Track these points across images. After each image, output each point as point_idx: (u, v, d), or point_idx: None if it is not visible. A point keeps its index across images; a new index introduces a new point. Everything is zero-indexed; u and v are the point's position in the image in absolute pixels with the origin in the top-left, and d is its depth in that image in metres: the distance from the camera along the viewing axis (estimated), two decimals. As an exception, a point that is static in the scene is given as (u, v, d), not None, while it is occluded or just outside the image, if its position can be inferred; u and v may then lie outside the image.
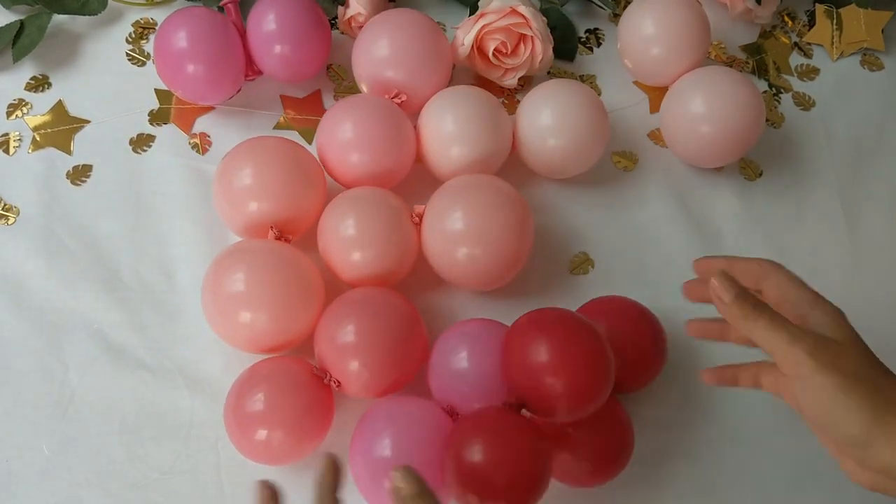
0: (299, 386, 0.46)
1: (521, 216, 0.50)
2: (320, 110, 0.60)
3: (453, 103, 0.54)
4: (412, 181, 0.55)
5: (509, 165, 0.56)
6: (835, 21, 0.66)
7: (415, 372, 0.49)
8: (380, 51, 0.55)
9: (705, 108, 0.54)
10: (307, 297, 0.49)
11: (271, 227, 0.50)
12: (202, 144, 0.58)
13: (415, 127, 0.55)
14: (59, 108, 0.59)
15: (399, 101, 0.55)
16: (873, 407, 0.36)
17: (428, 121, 0.54)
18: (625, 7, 0.61)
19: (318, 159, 0.53)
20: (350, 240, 0.50)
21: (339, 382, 0.47)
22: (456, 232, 0.50)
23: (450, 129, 0.53)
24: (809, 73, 0.64)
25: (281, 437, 0.46)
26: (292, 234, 0.51)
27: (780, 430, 0.51)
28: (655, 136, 0.60)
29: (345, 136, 0.52)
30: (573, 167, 0.56)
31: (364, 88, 0.57)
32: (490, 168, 0.54)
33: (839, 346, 0.39)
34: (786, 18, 0.67)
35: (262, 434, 0.46)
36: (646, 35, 0.57)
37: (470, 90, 0.55)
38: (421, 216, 0.51)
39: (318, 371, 0.48)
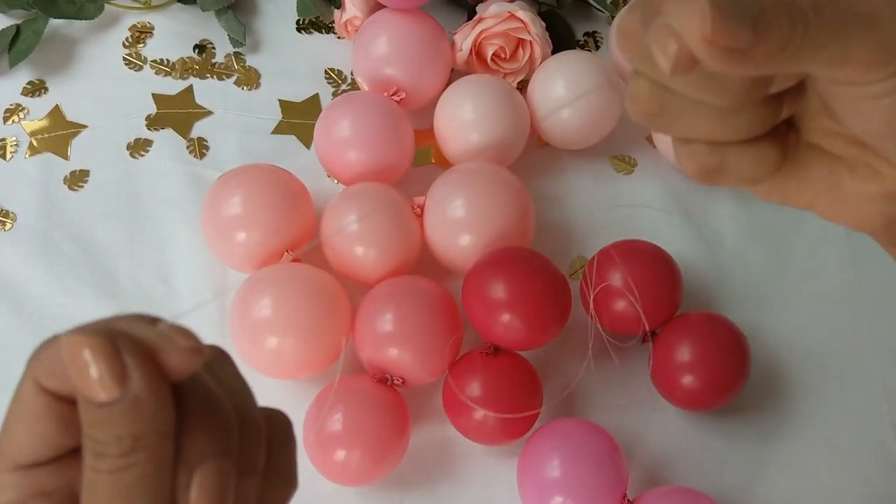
0: (373, 399, 0.47)
1: (521, 199, 0.51)
2: (318, 114, 0.60)
3: (471, 92, 0.54)
4: (412, 179, 0.56)
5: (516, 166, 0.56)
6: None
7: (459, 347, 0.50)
8: (379, 48, 0.55)
9: None
10: (339, 316, 0.49)
11: (287, 250, 0.50)
12: (200, 149, 0.58)
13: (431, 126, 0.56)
14: (56, 113, 0.59)
15: (398, 98, 0.55)
16: None
17: (445, 111, 0.55)
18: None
19: (300, 180, 0.53)
20: (354, 236, 0.50)
21: (402, 380, 0.48)
22: (458, 219, 0.50)
23: (469, 117, 0.54)
24: (807, 75, 0.64)
25: (372, 454, 0.46)
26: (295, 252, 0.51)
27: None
28: (654, 140, 0.60)
29: (342, 133, 0.53)
30: (593, 131, 0.56)
31: (364, 86, 0.57)
32: (510, 154, 0.55)
33: None
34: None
35: (346, 455, 0.46)
36: None
37: (485, 78, 0.55)
38: (422, 207, 0.52)
39: (377, 377, 0.48)
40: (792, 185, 0.27)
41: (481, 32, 0.57)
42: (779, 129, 0.26)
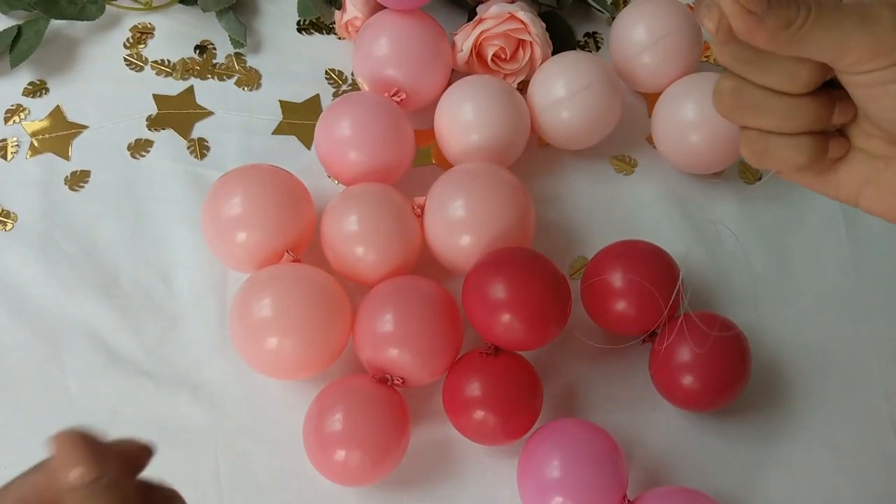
0: (373, 399, 0.47)
1: (521, 199, 0.51)
2: (319, 115, 0.60)
3: (471, 92, 0.54)
4: (412, 179, 0.56)
5: (516, 166, 0.56)
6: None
7: (460, 345, 0.50)
8: (380, 49, 0.56)
9: (695, 114, 0.54)
10: (339, 316, 0.49)
11: (287, 250, 0.50)
12: (200, 149, 0.58)
13: (432, 126, 0.56)
14: (57, 114, 0.59)
15: (398, 98, 0.55)
16: None
17: (445, 111, 0.55)
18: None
19: (301, 181, 0.54)
20: (354, 236, 0.50)
21: (402, 380, 0.48)
22: (458, 219, 0.50)
23: (469, 117, 0.54)
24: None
25: (372, 454, 0.46)
26: (297, 252, 0.51)
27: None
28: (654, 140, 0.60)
29: (342, 133, 0.53)
30: (593, 132, 0.56)
31: (365, 86, 0.57)
32: (510, 154, 0.55)
33: None
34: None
35: (346, 455, 0.46)
36: (637, 42, 0.56)
37: (485, 78, 0.56)
38: (422, 207, 0.52)
39: (377, 377, 0.48)
40: (841, 178, 0.33)
41: (482, 33, 0.57)
42: (823, 133, 0.32)
